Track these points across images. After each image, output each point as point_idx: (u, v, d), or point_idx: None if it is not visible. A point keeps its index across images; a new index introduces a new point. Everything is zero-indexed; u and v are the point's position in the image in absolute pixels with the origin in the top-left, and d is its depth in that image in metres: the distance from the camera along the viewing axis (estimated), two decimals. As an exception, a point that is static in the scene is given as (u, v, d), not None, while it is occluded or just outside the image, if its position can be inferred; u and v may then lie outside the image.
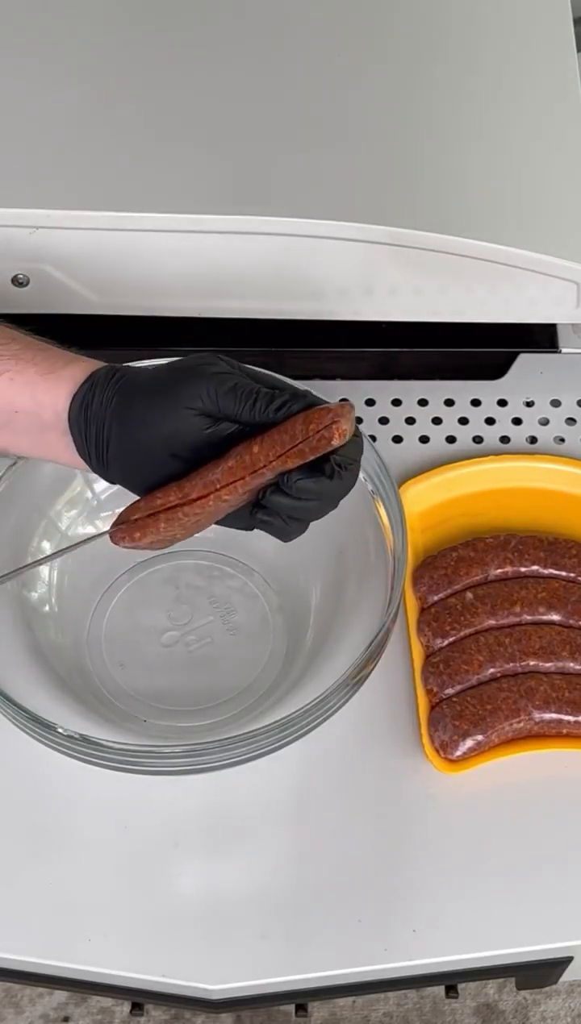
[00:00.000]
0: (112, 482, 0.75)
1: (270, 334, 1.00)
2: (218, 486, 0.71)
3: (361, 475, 0.86)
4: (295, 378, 0.88)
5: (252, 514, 0.73)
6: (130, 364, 0.75)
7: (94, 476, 0.92)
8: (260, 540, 0.80)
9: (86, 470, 0.76)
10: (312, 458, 0.69)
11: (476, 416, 1.04)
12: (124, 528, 0.74)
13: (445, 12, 1.05)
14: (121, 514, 0.74)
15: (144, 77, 0.97)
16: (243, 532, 0.76)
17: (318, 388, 0.88)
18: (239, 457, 0.70)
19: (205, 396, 0.70)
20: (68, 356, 0.76)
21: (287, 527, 0.72)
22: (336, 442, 0.69)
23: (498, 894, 0.82)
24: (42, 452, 0.77)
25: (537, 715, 0.85)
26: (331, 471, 0.70)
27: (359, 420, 1.02)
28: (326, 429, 0.68)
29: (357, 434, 0.72)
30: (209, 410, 0.71)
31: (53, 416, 0.74)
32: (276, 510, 0.72)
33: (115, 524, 0.74)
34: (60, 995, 1.44)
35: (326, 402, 0.71)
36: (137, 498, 0.74)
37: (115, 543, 0.74)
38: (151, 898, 0.82)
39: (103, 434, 0.73)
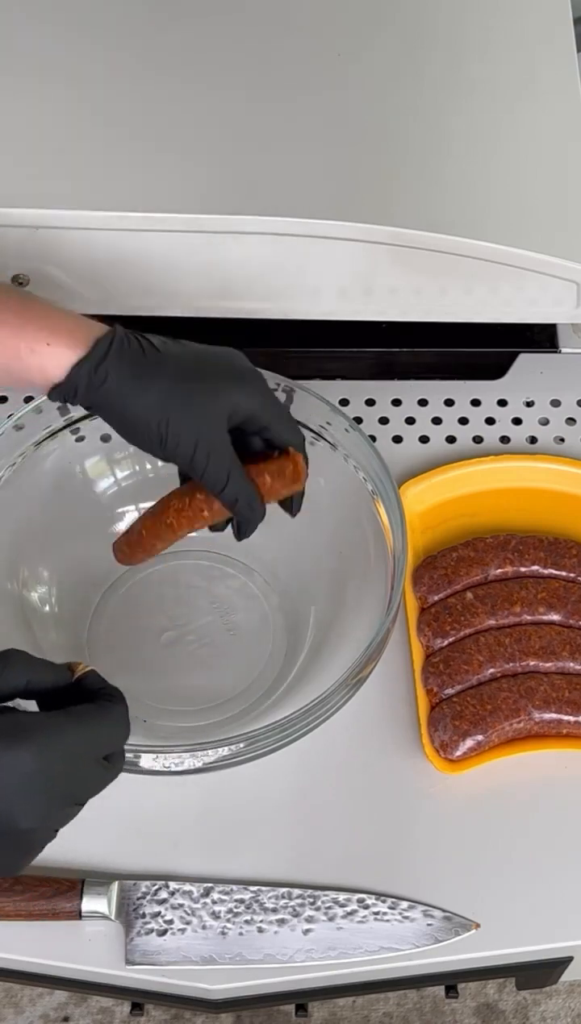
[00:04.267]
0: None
1: (270, 334, 1.00)
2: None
3: (361, 475, 0.86)
4: (295, 378, 0.88)
5: None
6: (109, 354, 0.74)
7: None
8: (261, 540, 0.80)
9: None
10: None
11: (476, 416, 1.04)
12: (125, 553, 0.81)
13: (445, 12, 1.05)
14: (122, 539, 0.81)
15: (144, 77, 0.97)
16: None
17: (318, 388, 0.88)
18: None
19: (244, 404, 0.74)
20: (48, 330, 0.73)
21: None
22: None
23: (498, 894, 0.82)
24: (22, 387, 0.78)
25: (537, 715, 0.85)
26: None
27: (359, 420, 1.02)
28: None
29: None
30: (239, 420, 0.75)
31: (42, 381, 0.74)
32: None
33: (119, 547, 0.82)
34: (60, 995, 1.44)
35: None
36: None
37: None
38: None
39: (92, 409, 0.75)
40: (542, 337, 1.06)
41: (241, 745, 0.77)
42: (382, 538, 0.85)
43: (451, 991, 0.89)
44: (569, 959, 0.83)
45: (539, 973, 0.86)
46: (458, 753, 0.85)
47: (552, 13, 1.05)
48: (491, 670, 0.88)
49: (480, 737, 0.85)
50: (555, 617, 0.90)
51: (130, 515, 0.94)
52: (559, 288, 0.93)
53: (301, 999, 0.86)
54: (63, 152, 0.93)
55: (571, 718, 0.86)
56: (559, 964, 0.83)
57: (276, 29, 1.02)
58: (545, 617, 0.90)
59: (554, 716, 0.86)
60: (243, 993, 0.81)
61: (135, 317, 0.96)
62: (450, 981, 0.87)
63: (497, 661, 0.88)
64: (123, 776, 0.78)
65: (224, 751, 0.77)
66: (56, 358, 0.73)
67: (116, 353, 0.73)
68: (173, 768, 0.77)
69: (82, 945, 0.81)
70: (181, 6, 1.02)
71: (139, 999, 0.86)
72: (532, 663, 0.88)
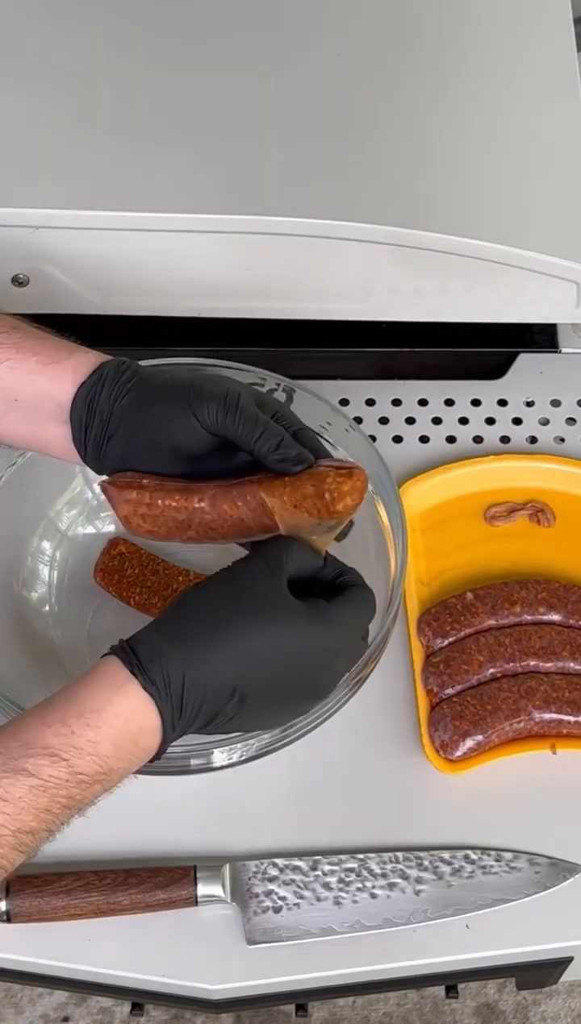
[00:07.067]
0: (101, 472, 0.76)
1: (270, 334, 1.00)
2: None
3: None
4: (295, 378, 0.88)
5: None
6: (133, 362, 0.75)
7: (94, 476, 0.92)
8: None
9: (76, 462, 0.76)
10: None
11: (476, 416, 1.04)
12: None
13: (445, 12, 1.05)
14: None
15: (144, 77, 0.97)
16: None
17: (318, 388, 0.88)
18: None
19: (209, 415, 0.72)
20: (69, 346, 0.76)
21: None
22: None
23: (498, 894, 0.82)
24: (36, 442, 0.77)
25: (537, 715, 0.85)
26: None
27: (359, 420, 1.02)
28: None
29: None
30: (214, 429, 0.72)
31: (55, 406, 0.74)
32: None
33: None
34: (60, 995, 1.44)
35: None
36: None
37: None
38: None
39: (106, 428, 0.73)
40: (542, 337, 1.06)
41: (240, 745, 0.77)
42: (382, 538, 0.85)
43: (451, 991, 0.89)
44: (569, 959, 0.83)
45: (539, 973, 0.86)
46: (458, 753, 0.85)
47: (552, 13, 1.05)
48: (491, 670, 0.87)
49: (480, 737, 0.85)
50: (555, 617, 0.90)
51: (130, 515, 0.94)
52: (559, 288, 0.93)
53: (301, 999, 0.86)
54: (63, 152, 0.93)
55: (571, 718, 0.86)
56: (559, 964, 0.83)
57: (276, 29, 1.02)
58: (545, 617, 0.90)
59: (554, 716, 0.86)
60: (243, 993, 0.81)
61: (135, 317, 0.96)
62: (450, 981, 0.87)
63: (497, 661, 0.88)
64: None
65: (223, 751, 0.77)
66: (79, 359, 0.74)
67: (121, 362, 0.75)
68: (174, 768, 0.77)
69: (82, 945, 0.81)
70: (181, 6, 1.02)
71: (139, 999, 0.86)
72: (532, 663, 0.88)
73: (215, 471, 0.74)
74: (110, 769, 0.66)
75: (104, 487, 0.75)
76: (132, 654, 0.67)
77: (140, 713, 0.66)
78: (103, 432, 0.73)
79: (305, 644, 0.69)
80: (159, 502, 0.73)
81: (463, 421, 1.03)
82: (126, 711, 0.65)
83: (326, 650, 0.70)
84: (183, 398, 0.72)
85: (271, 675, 0.68)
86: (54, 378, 0.74)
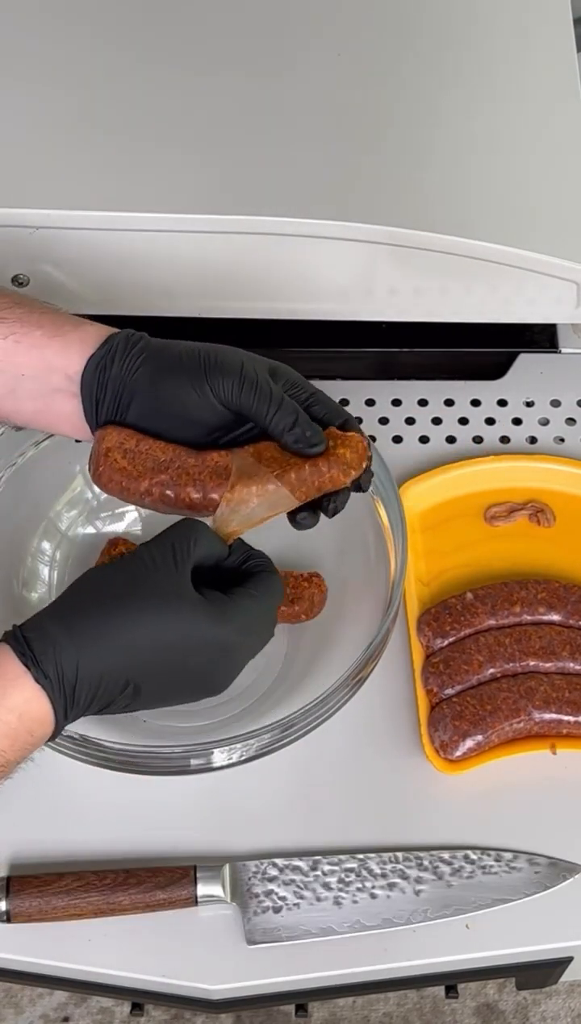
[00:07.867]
0: None
1: (270, 334, 1.00)
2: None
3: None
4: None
5: None
6: (143, 333, 0.75)
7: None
8: (260, 540, 0.80)
9: (86, 437, 0.75)
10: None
11: (476, 416, 1.04)
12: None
13: (445, 12, 1.05)
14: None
15: (144, 77, 0.98)
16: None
17: (318, 388, 0.88)
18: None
19: (225, 389, 0.71)
20: (74, 319, 0.75)
21: None
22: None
23: (498, 894, 0.82)
24: (47, 419, 0.76)
25: (537, 715, 0.85)
26: (329, 510, 0.74)
27: (359, 420, 1.02)
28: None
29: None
30: (229, 403, 0.72)
31: (64, 379, 0.73)
32: None
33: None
34: (60, 995, 1.44)
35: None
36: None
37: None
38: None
39: (119, 400, 0.73)
40: (542, 337, 1.07)
41: (241, 745, 0.77)
42: (382, 538, 0.85)
43: (451, 991, 0.89)
44: (569, 959, 0.83)
45: (539, 973, 0.86)
46: (458, 753, 0.85)
47: (552, 13, 1.05)
48: (491, 670, 0.88)
49: (480, 737, 0.85)
50: (555, 617, 0.90)
51: (130, 515, 0.94)
52: (559, 288, 0.93)
53: (301, 999, 0.86)
54: (63, 152, 0.93)
55: (571, 718, 0.86)
56: (559, 964, 0.83)
57: (276, 29, 1.02)
58: (545, 617, 0.90)
59: (554, 716, 0.86)
60: (243, 993, 0.81)
61: (135, 317, 0.96)
62: (450, 981, 0.87)
63: (497, 661, 0.88)
64: (123, 776, 0.78)
65: (223, 751, 0.77)
66: (85, 331, 0.74)
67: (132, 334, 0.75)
68: (174, 768, 0.77)
69: (82, 945, 0.81)
70: (181, 6, 1.02)
71: (139, 999, 0.86)
72: (532, 663, 0.88)
73: (229, 445, 0.74)
74: (7, 761, 0.66)
75: (101, 426, 0.74)
76: (25, 644, 0.66)
77: (33, 705, 0.65)
78: (116, 405, 0.73)
79: (202, 639, 0.68)
80: (150, 442, 0.73)
81: (463, 421, 1.03)
82: (20, 705, 0.65)
83: (223, 645, 0.69)
84: (198, 370, 0.72)
85: (166, 669, 0.67)
86: (60, 351, 0.73)
